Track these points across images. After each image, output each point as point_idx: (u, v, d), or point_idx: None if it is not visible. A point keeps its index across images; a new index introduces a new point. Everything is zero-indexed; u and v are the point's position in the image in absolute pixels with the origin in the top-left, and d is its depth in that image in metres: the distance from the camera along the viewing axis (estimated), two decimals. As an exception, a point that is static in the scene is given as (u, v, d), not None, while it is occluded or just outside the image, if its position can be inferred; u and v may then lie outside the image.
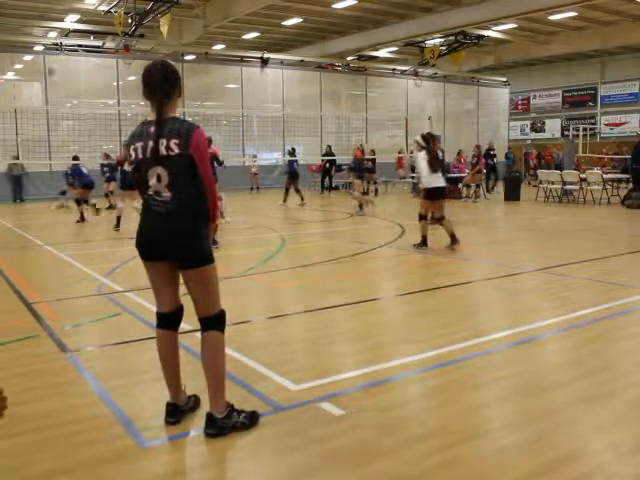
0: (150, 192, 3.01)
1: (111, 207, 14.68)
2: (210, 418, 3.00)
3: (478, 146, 18.26)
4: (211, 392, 3.03)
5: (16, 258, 8.70)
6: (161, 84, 3.00)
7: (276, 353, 4.22)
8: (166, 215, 2.99)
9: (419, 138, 8.57)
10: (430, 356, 4.10)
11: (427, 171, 8.26)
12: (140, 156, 3.00)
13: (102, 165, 15.36)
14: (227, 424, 2.99)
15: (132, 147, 3.04)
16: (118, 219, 11.34)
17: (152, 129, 2.97)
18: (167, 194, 2.97)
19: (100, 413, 3.28)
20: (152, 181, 2.98)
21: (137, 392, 3.63)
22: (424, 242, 8.54)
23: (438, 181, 8.31)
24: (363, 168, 15.08)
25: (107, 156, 15.20)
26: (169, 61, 3.13)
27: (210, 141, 12.14)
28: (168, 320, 3.16)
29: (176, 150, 2.92)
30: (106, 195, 15.45)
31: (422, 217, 8.53)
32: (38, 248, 9.55)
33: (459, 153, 20.35)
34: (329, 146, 23.08)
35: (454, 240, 8.45)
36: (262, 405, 3.29)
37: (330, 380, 3.68)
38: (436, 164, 8.30)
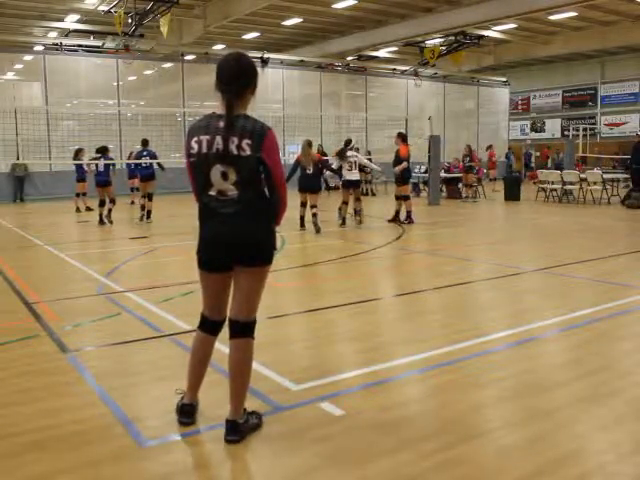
0: (212, 192, 2.86)
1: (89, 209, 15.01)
2: (233, 424, 2.91)
3: (469, 146, 18.63)
4: (234, 398, 2.94)
5: (16, 258, 8.69)
6: (236, 78, 2.83)
7: (276, 353, 4.22)
8: (233, 214, 2.85)
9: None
10: (430, 356, 4.10)
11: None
12: (204, 150, 2.82)
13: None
14: (247, 428, 2.96)
15: (194, 139, 2.84)
16: None
17: (221, 124, 2.80)
18: (233, 192, 2.83)
19: (100, 413, 3.28)
20: (215, 179, 2.82)
21: (137, 392, 3.63)
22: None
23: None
24: None
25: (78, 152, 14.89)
26: (246, 54, 2.95)
27: None
28: (214, 327, 3.10)
29: (248, 151, 2.77)
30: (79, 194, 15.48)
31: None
32: (38, 248, 9.55)
33: (489, 148, 23.17)
34: (320, 145, 22.98)
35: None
36: (262, 405, 3.29)
37: (330, 380, 3.68)
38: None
